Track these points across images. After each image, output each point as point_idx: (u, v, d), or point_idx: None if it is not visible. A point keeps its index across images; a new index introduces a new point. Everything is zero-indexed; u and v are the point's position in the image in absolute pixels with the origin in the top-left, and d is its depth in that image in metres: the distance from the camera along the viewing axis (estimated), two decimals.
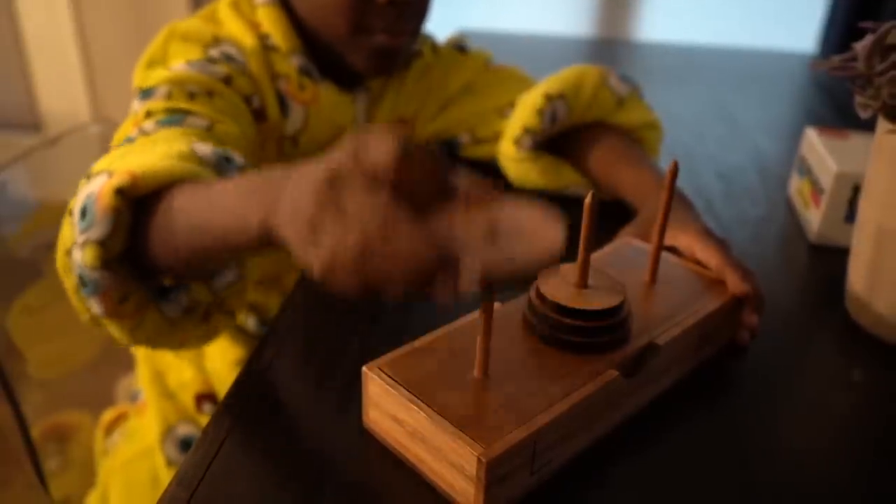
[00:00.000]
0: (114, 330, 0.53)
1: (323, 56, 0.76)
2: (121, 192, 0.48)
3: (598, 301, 0.47)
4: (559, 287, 0.48)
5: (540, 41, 1.64)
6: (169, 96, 0.61)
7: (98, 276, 0.49)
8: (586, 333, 0.47)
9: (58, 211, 0.55)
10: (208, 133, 0.59)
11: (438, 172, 0.37)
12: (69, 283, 0.53)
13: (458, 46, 0.91)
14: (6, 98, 2.34)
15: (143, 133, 0.58)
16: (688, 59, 1.56)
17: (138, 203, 0.50)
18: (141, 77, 0.66)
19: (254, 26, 0.73)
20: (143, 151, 0.53)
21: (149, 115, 0.60)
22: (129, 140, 0.58)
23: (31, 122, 2.36)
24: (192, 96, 0.62)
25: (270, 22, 0.73)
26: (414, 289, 0.35)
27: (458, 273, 0.35)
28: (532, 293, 0.49)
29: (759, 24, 1.97)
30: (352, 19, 0.71)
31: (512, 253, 0.35)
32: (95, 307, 0.51)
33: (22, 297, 0.84)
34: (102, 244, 0.48)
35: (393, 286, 0.35)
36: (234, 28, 0.73)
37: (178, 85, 0.62)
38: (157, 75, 0.63)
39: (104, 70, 2.24)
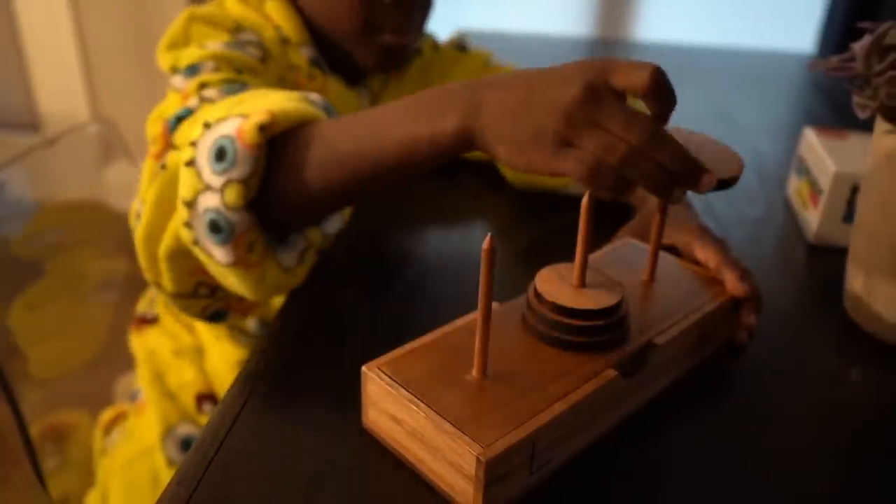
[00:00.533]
0: (236, 283, 0.54)
1: (328, 51, 0.76)
2: (263, 130, 0.48)
3: (596, 301, 0.47)
4: (558, 287, 0.48)
5: (540, 41, 1.64)
6: (218, 70, 0.61)
7: (238, 217, 0.50)
8: (585, 333, 0.47)
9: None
10: None
11: (672, 102, 0.43)
12: (171, 242, 0.53)
13: (459, 45, 0.91)
14: (5, 98, 2.34)
15: (207, 100, 0.58)
16: (686, 59, 1.56)
17: (269, 144, 0.51)
18: (169, 58, 0.66)
19: (266, 18, 0.74)
20: (260, 98, 0.53)
21: (203, 86, 0.60)
22: (189, 110, 0.58)
23: (29, 122, 2.36)
24: (239, 71, 0.63)
25: (280, 15, 0.74)
26: (664, 188, 0.42)
27: (699, 178, 0.43)
28: (530, 293, 0.49)
29: (758, 24, 1.97)
30: (361, 18, 0.71)
31: (724, 169, 0.45)
32: (224, 256, 0.51)
33: (22, 296, 0.84)
34: (245, 183, 0.48)
35: (649, 185, 0.42)
36: (250, 18, 0.73)
37: (223, 61, 0.63)
38: (193, 53, 0.63)
39: (103, 70, 2.23)
